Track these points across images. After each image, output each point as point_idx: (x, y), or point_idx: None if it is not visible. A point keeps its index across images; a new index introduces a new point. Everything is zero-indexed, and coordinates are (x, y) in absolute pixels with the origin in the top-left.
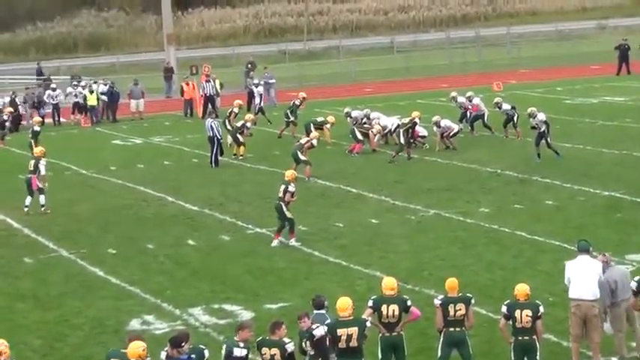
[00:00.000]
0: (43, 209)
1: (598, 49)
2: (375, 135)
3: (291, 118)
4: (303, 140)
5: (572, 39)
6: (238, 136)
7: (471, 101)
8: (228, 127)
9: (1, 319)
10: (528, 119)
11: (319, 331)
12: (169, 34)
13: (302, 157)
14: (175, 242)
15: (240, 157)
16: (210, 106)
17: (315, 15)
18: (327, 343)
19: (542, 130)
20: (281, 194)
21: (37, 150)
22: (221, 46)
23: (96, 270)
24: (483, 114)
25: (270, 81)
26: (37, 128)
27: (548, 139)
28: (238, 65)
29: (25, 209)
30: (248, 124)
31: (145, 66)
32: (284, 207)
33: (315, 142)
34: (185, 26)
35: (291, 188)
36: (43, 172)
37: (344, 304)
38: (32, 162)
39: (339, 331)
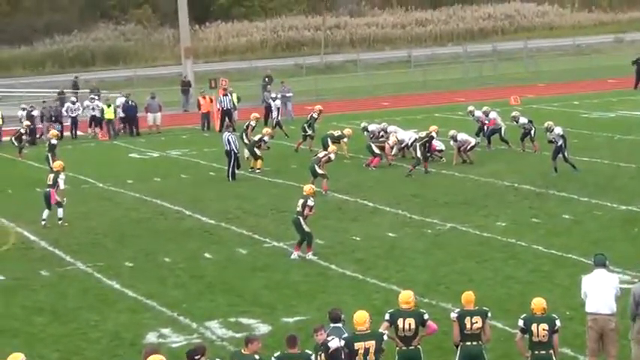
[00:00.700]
0: (60, 222)
1: (615, 63)
2: (391, 147)
3: (309, 132)
4: (321, 154)
5: (589, 53)
6: (255, 149)
7: (487, 116)
8: (246, 140)
9: (18, 331)
10: (545, 133)
11: (334, 343)
12: (187, 48)
13: (320, 171)
14: (192, 255)
15: (258, 171)
16: (227, 119)
17: (333, 29)
18: (343, 356)
19: (559, 144)
20: (300, 208)
21: (57, 164)
22: (238, 60)
23: (112, 283)
24: (500, 128)
25: (288, 94)
26: (54, 142)
27: (566, 153)
28: (256, 79)
29: (43, 222)
30: (265, 138)
31: (162, 79)
32: (302, 221)
33: (332, 156)
34: (202, 40)
35: (310, 202)
36: (62, 186)
37: (361, 318)
38: (51, 176)
39: (357, 345)
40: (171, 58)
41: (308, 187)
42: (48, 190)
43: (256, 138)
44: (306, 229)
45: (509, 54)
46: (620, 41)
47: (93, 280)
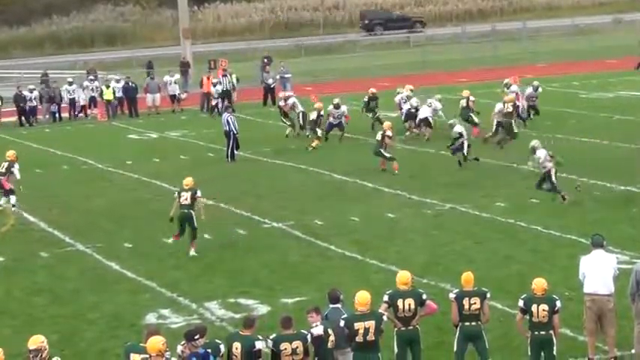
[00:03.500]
0: (14, 209)
1: (614, 43)
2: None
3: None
4: (378, 136)
5: (588, 33)
6: (317, 129)
7: (508, 89)
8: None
9: (18, 313)
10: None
11: (317, 330)
12: (185, 29)
13: (386, 154)
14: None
15: (310, 149)
16: (226, 100)
17: (332, 9)
18: (329, 343)
19: (459, 142)
20: (188, 202)
21: (10, 153)
22: (237, 41)
23: (112, 264)
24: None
25: (286, 75)
26: None
27: (464, 151)
28: (254, 60)
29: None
30: (322, 113)
31: (161, 60)
32: (194, 215)
33: (389, 132)
34: (201, 20)
35: (199, 193)
36: (18, 176)
37: (363, 299)
38: (5, 164)
39: (357, 325)
40: (170, 39)
41: (188, 180)
42: None
43: (313, 116)
44: (196, 224)
45: (508, 34)
46: (619, 22)
47: (92, 261)
